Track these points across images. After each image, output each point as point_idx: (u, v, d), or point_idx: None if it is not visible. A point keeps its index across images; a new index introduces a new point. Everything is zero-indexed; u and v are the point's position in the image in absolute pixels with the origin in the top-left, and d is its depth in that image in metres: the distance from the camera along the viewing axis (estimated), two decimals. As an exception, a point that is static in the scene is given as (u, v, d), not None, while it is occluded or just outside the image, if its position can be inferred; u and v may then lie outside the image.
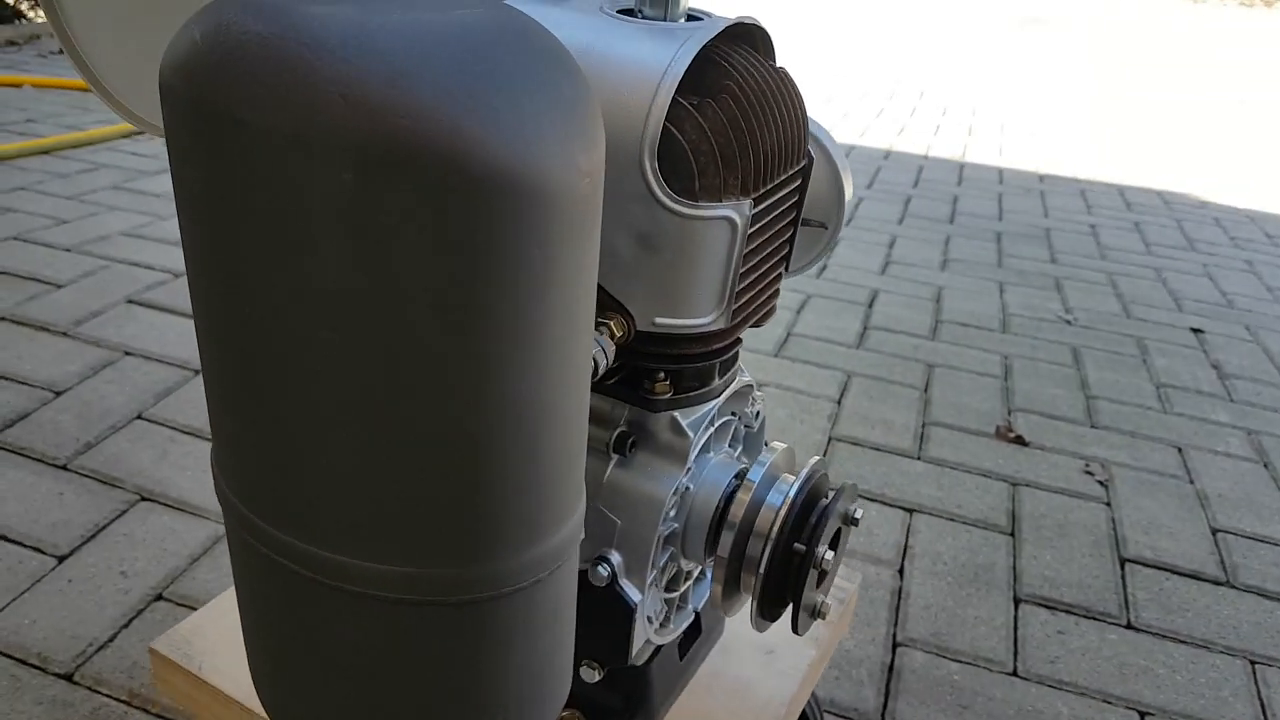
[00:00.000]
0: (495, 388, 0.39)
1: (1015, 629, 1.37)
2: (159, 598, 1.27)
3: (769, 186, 0.59)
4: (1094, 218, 3.46)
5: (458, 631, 0.45)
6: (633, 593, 0.66)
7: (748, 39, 0.62)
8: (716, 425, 0.69)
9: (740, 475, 0.69)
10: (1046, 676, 1.29)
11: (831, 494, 0.68)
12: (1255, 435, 1.96)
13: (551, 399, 0.41)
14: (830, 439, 1.80)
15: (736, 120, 0.55)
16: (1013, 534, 1.57)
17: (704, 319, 0.60)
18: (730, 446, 0.75)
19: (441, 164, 0.34)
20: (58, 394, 1.68)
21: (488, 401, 0.39)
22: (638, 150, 0.52)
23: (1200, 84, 6.35)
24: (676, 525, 0.69)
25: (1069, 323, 2.47)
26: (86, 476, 1.48)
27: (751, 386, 0.72)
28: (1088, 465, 1.78)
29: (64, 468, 1.49)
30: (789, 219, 0.65)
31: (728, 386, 0.68)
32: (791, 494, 0.66)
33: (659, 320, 0.59)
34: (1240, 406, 2.08)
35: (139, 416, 1.64)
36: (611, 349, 0.57)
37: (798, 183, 0.64)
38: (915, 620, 1.36)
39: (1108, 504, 1.67)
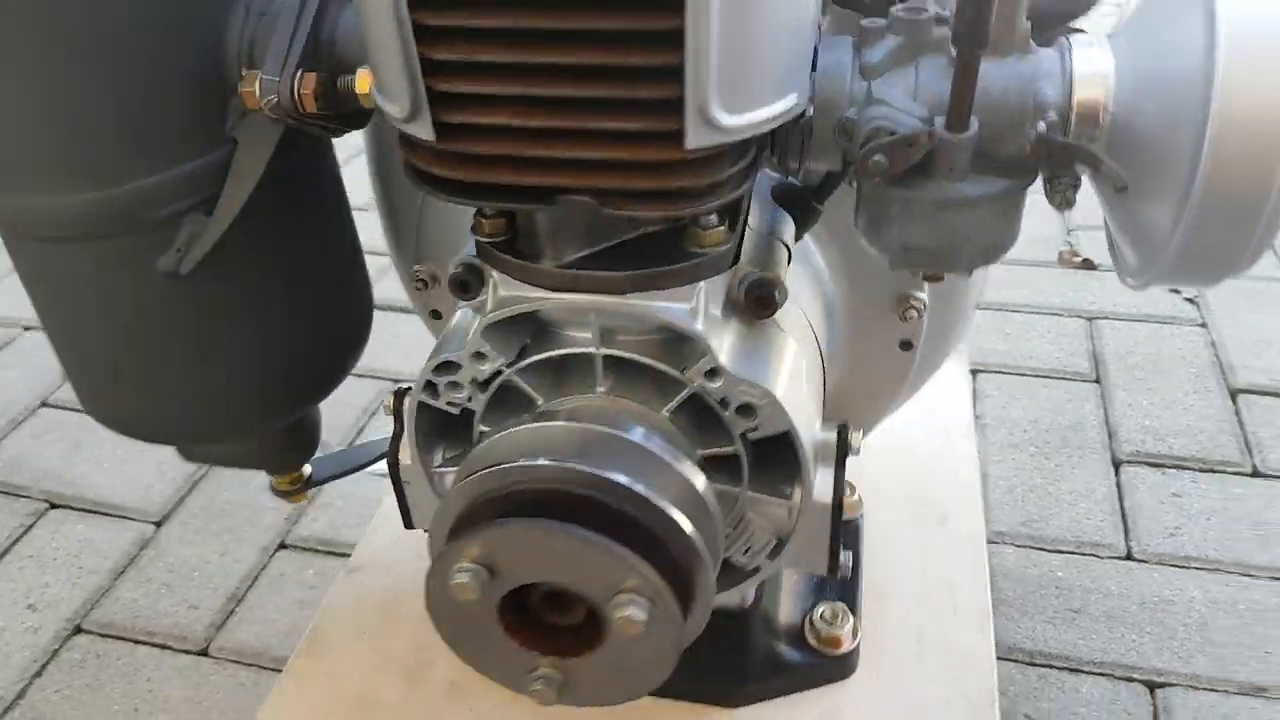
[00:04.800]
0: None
1: (1120, 500, 1.12)
2: (78, 630, 1.04)
3: None
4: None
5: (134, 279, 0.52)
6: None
7: None
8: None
9: None
10: (1168, 555, 1.05)
11: None
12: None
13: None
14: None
15: None
16: (1098, 379, 1.30)
17: (393, 105, 0.43)
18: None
19: None
20: (-58, 391, 1.42)
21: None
22: None
23: None
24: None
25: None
26: (-16, 488, 1.24)
27: None
28: (1172, 281, 1.50)
29: (-45, 482, 1.25)
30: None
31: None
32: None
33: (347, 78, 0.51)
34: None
35: (44, 404, 1.38)
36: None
37: None
38: (1000, 509, 1.11)
39: (1203, 325, 1.39)
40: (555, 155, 0.42)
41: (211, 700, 0.96)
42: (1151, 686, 0.93)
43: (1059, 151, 0.44)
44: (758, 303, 0.49)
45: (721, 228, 0.47)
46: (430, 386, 0.52)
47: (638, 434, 0.48)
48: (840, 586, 0.71)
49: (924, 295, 0.60)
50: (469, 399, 0.52)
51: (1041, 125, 0.44)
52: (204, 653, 1.01)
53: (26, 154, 0.49)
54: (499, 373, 0.51)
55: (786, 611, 0.70)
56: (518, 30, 0.39)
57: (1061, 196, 0.46)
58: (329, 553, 1.12)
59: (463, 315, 0.53)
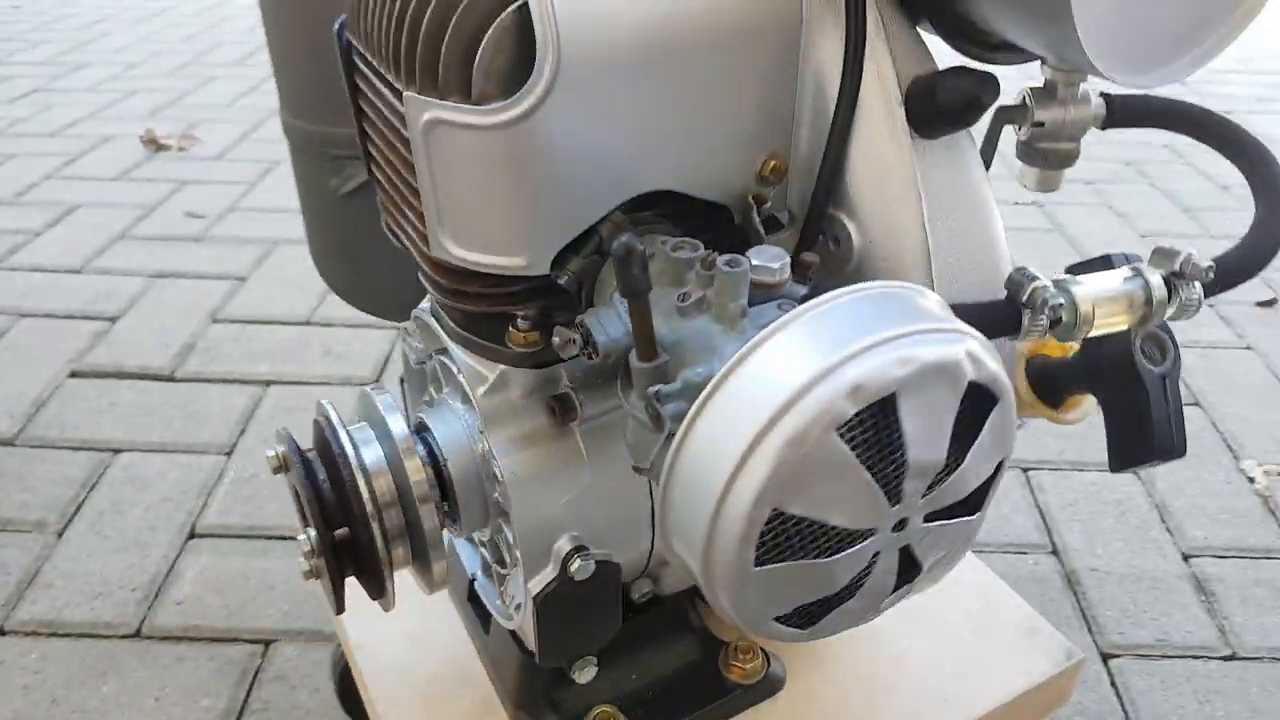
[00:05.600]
0: None
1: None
2: None
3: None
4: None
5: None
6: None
7: None
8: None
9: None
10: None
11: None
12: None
13: None
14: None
15: None
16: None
17: None
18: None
19: None
20: None
21: None
22: None
23: None
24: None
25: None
26: None
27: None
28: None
29: None
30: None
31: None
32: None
33: None
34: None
35: None
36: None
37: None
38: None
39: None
40: (395, 217, 0.58)
41: (-76, 800, 0.92)
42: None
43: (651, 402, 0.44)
44: (549, 409, 0.57)
45: (530, 333, 0.54)
46: (406, 340, 0.69)
47: (412, 465, 0.55)
48: (658, 713, 0.68)
49: None
50: (420, 362, 0.67)
51: (655, 387, 0.43)
52: (-86, 750, 0.95)
53: (284, 89, 0.89)
54: (431, 355, 0.64)
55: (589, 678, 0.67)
56: (368, 116, 0.57)
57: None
58: (52, 634, 1.08)
59: None
